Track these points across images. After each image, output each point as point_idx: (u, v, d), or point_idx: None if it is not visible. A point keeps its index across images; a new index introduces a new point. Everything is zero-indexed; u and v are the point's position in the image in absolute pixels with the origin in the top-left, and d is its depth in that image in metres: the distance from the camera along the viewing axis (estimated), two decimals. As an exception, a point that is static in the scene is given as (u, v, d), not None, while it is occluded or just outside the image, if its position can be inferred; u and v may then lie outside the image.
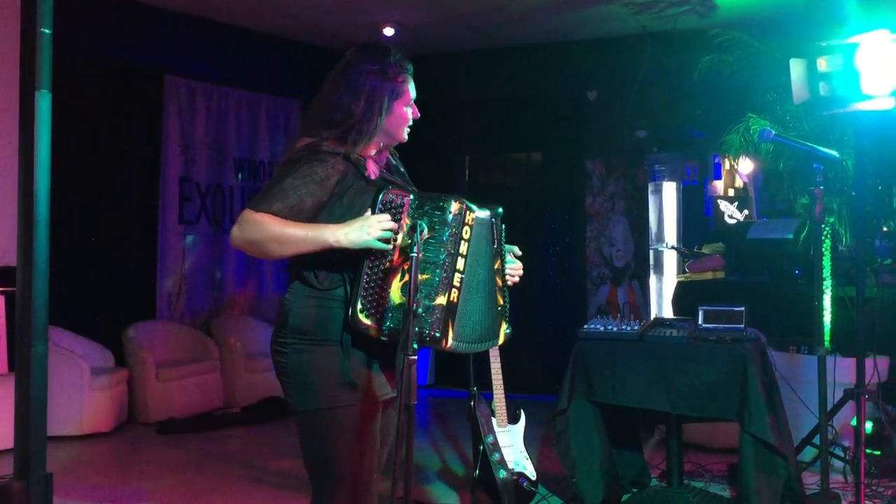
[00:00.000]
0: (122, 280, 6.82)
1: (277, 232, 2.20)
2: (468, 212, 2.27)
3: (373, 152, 2.40)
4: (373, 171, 2.36)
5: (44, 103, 2.24)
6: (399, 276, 2.21)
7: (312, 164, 2.25)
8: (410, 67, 2.43)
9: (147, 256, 6.94)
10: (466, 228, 2.26)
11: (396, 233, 2.23)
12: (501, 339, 2.45)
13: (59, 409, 5.61)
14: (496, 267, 2.40)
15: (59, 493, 2.19)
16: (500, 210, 2.43)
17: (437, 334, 2.20)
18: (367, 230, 2.20)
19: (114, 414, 6.00)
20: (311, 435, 2.34)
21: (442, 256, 2.22)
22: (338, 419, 2.28)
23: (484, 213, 2.35)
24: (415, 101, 2.44)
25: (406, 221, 2.24)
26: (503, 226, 2.44)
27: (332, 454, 2.30)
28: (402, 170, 2.55)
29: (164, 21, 6.80)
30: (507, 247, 2.49)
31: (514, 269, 2.51)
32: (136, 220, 6.96)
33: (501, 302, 2.42)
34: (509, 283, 2.49)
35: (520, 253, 2.53)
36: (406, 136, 2.45)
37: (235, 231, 2.24)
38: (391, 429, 2.43)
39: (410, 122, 2.44)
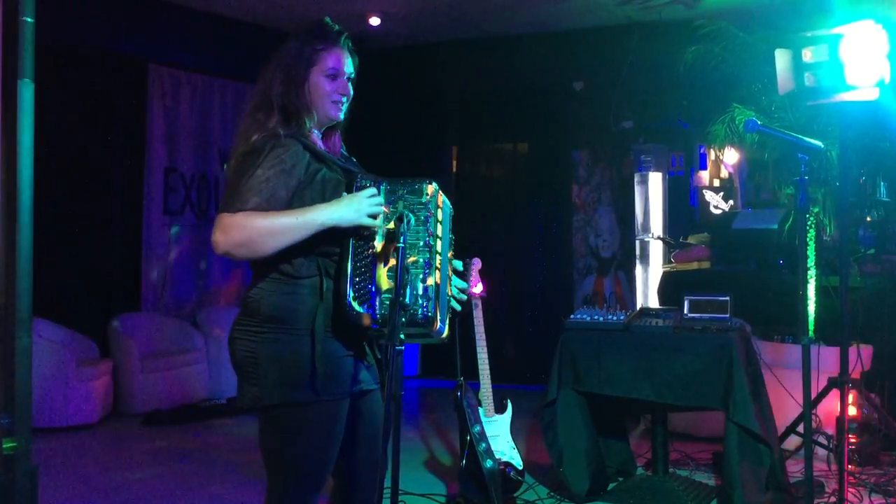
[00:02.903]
0: (107, 271, 6.78)
1: (267, 225, 2.10)
2: (439, 194, 2.25)
3: (317, 132, 2.31)
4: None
5: (26, 93, 2.22)
6: (384, 261, 2.17)
7: (278, 153, 2.15)
8: (343, 40, 2.29)
9: (132, 247, 6.91)
10: (440, 211, 2.24)
11: (385, 209, 2.20)
12: (447, 332, 2.27)
13: (44, 400, 5.59)
14: (449, 256, 2.36)
15: (44, 486, 2.18)
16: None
17: (431, 314, 2.15)
18: (356, 207, 2.15)
19: (99, 405, 5.97)
20: (275, 429, 2.21)
21: (423, 238, 2.19)
22: (307, 415, 2.18)
23: (448, 201, 2.34)
24: (351, 79, 2.31)
25: (384, 208, 2.21)
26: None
27: (296, 449, 2.20)
28: (355, 160, 2.46)
29: (147, 10, 6.75)
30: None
31: (459, 286, 2.42)
32: (121, 211, 6.92)
33: (450, 293, 2.36)
34: (455, 302, 2.39)
35: (460, 270, 2.44)
36: (337, 115, 2.30)
37: (219, 237, 2.10)
38: (373, 421, 2.36)
39: (340, 100, 2.29)
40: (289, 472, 2.23)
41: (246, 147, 2.19)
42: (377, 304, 2.15)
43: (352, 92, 2.33)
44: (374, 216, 2.17)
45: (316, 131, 2.33)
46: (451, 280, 2.38)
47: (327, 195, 2.21)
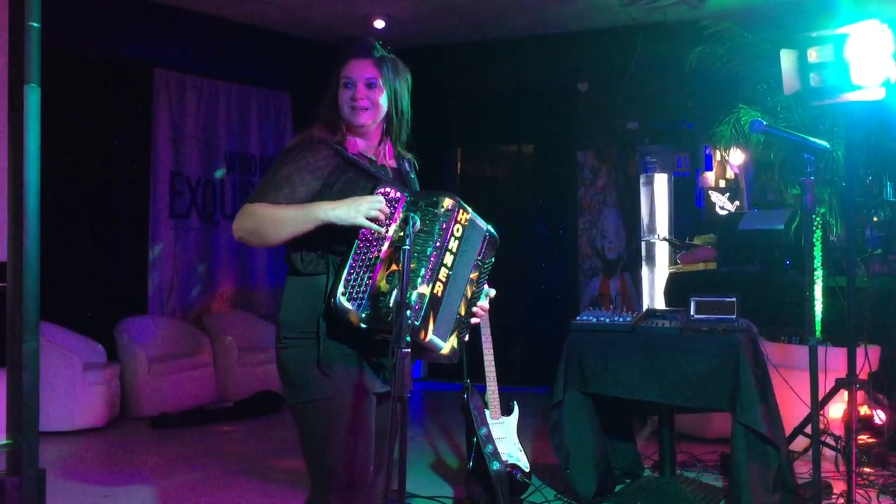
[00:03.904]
0: (114, 275, 6.80)
1: (271, 215, 2.25)
2: (461, 211, 2.28)
3: (359, 140, 2.43)
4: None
5: (33, 97, 2.23)
6: (386, 266, 2.21)
7: (304, 153, 2.32)
8: (362, 49, 2.40)
9: (138, 251, 6.93)
10: (458, 227, 2.27)
11: (388, 225, 2.24)
12: (447, 350, 2.31)
13: (52, 404, 5.60)
14: (472, 277, 2.39)
15: (52, 489, 2.19)
16: (496, 233, 2.44)
17: (417, 323, 2.17)
18: (356, 207, 2.21)
19: (106, 409, 5.99)
20: (303, 428, 2.34)
21: (430, 249, 2.22)
22: (325, 412, 2.29)
23: (480, 221, 2.37)
24: (373, 84, 2.38)
25: (399, 216, 2.25)
26: (492, 258, 2.44)
27: (323, 447, 2.31)
28: (413, 176, 2.54)
29: (153, 14, 6.76)
30: (485, 290, 2.46)
31: (481, 304, 2.46)
32: (127, 215, 6.93)
33: (462, 312, 2.38)
34: (472, 319, 2.44)
35: (493, 296, 2.49)
36: (356, 119, 2.38)
37: (235, 223, 2.31)
38: (381, 423, 2.41)
39: (355, 105, 2.36)
40: (322, 471, 2.33)
41: (285, 148, 2.40)
42: (367, 304, 2.19)
43: (378, 97, 2.39)
44: (374, 220, 2.21)
45: (359, 139, 2.43)
46: (468, 301, 2.39)
47: (346, 197, 2.27)
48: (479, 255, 2.39)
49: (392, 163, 2.50)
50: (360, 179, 2.33)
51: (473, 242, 2.36)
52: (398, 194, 2.28)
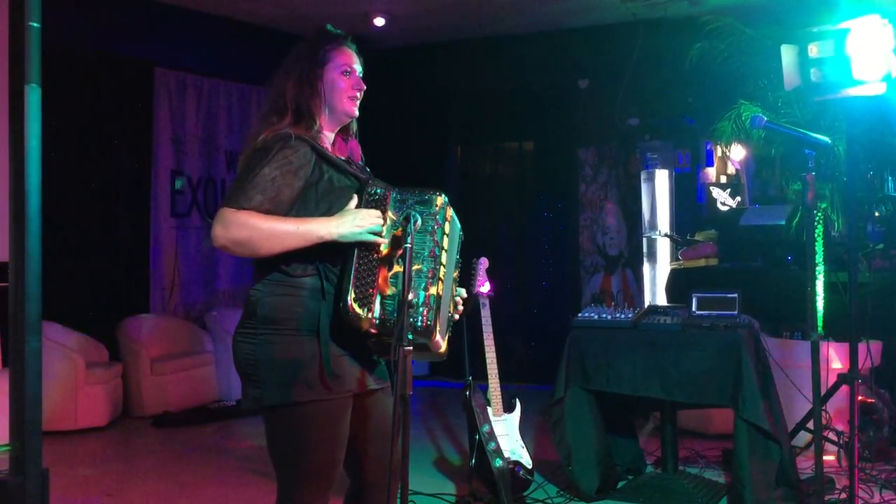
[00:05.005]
0: (116, 274, 6.81)
1: (267, 229, 2.11)
2: (448, 207, 2.26)
3: (329, 135, 2.35)
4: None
5: (33, 98, 2.22)
6: (388, 266, 2.17)
7: (286, 153, 2.16)
8: (348, 41, 2.36)
9: (140, 250, 6.94)
10: (447, 224, 2.24)
11: (382, 225, 2.20)
12: (444, 348, 2.27)
13: (54, 404, 5.61)
14: (454, 275, 2.37)
15: (55, 488, 2.19)
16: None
17: (430, 323, 2.14)
18: (357, 224, 2.15)
19: (109, 408, 5.99)
20: (279, 430, 2.24)
21: (428, 247, 2.19)
22: (308, 415, 2.18)
23: (459, 223, 2.36)
24: (363, 78, 2.36)
25: (389, 214, 2.21)
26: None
27: (300, 449, 2.21)
28: (368, 170, 2.48)
29: (153, 13, 6.76)
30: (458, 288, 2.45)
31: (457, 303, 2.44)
32: (129, 214, 6.94)
33: (451, 310, 2.36)
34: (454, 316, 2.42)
35: (465, 296, 2.47)
36: (354, 110, 2.34)
37: (218, 231, 2.12)
38: (382, 420, 2.37)
39: (356, 95, 2.33)
40: (296, 472, 2.24)
41: (255, 144, 2.23)
42: (377, 307, 2.14)
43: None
44: (375, 233, 2.17)
45: (328, 133, 2.35)
46: (453, 300, 2.38)
47: (333, 200, 2.22)
48: (457, 253, 2.39)
49: (358, 159, 2.44)
50: (341, 176, 2.25)
51: (455, 239, 2.35)
52: (385, 192, 2.23)
